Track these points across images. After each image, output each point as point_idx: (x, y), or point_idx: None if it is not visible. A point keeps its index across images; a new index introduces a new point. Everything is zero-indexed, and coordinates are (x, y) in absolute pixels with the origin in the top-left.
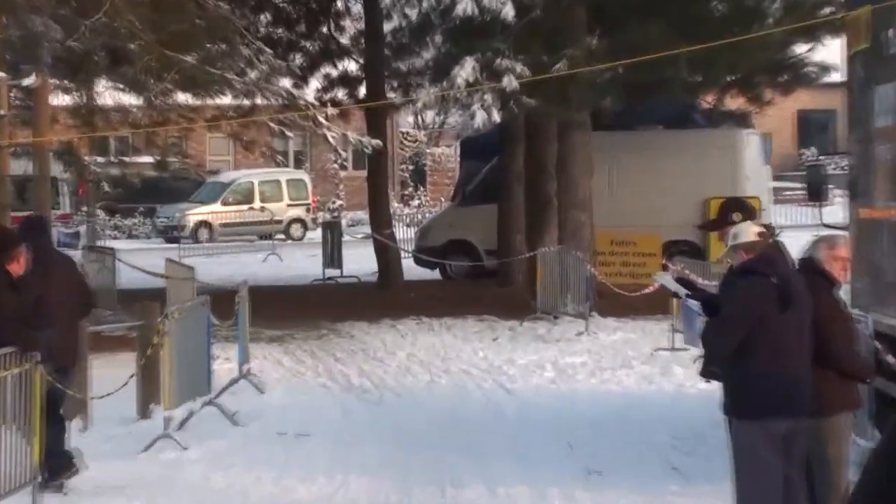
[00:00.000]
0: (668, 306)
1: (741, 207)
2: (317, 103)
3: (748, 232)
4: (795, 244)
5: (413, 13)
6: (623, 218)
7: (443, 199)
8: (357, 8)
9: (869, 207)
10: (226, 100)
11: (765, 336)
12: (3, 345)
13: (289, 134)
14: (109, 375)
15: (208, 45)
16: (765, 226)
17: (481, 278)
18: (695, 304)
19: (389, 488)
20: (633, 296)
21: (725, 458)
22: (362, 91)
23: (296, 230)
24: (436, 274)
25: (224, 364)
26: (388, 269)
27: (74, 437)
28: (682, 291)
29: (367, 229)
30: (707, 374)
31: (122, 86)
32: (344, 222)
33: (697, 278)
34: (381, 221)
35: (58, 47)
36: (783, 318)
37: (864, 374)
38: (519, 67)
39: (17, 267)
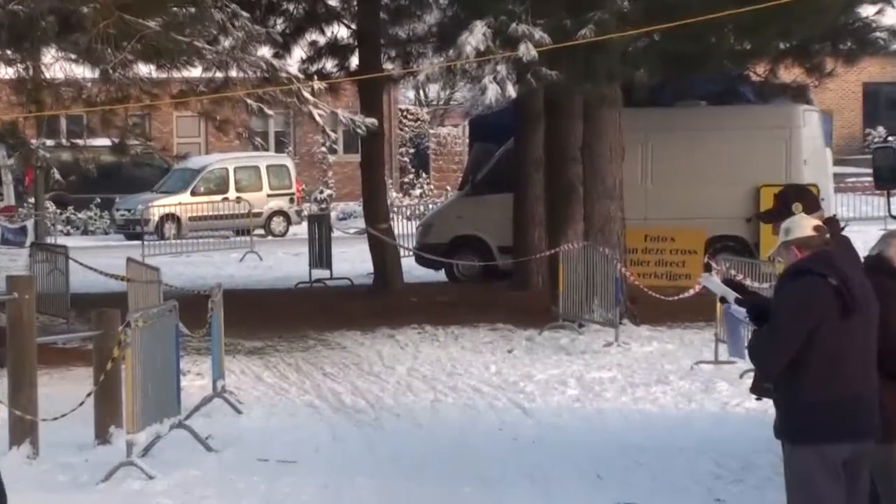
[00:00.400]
0: (712, 312)
1: (802, 197)
2: (302, 76)
3: (802, 226)
4: (860, 239)
5: None
6: (659, 210)
7: (449, 187)
8: None
9: None
10: (195, 72)
11: (822, 347)
12: None
13: (269, 112)
14: (62, 394)
15: (174, 9)
16: (829, 218)
17: (494, 280)
18: (739, 311)
19: None
20: (671, 300)
21: (778, 488)
22: (354, 62)
23: (278, 224)
24: (441, 275)
25: (195, 380)
26: (385, 270)
27: (22, 466)
28: (731, 295)
29: (361, 223)
30: (759, 390)
31: (74, 56)
32: (333, 215)
33: (746, 280)
34: (376, 214)
35: None
36: (844, 326)
37: None
38: (538, 34)
39: None
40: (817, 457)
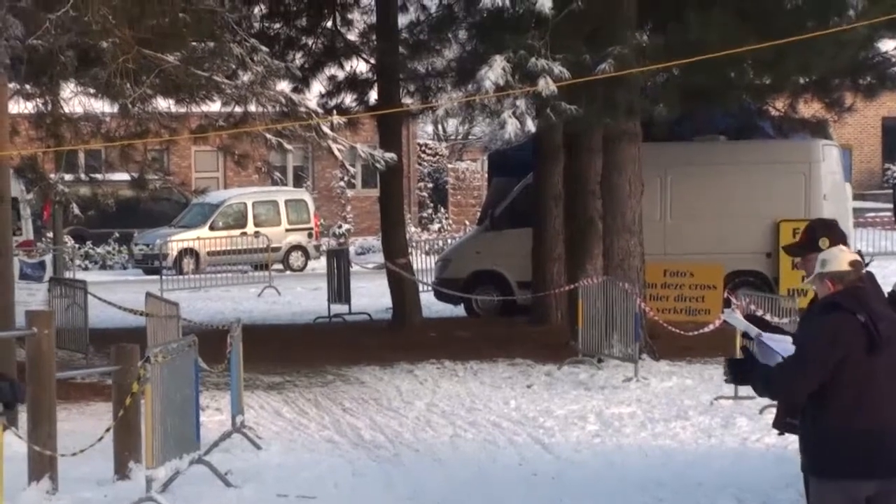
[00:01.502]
0: (732, 348)
1: (829, 231)
2: (321, 111)
3: (839, 259)
4: (879, 274)
5: (433, 5)
6: (678, 244)
7: (467, 222)
8: None
9: None
10: (214, 107)
11: (848, 382)
12: None
13: (288, 147)
14: (81, 429)
15: (193, 43)
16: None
17: (513, 315)
18: (773, 339)
19: None
20: (690, 335)
21: None
22: (373, 96)
23: (296, 259)
24: (460, 310)
25: (214, 415)
26: (403, 305)
27: (42, 501)
28: (754, 331)
29: (380, 258)
30: (781, 425)
31: (93, 91)
32: (352, 250)
33: (767, 315)
34: (395, 249)
35: (18, 46)
36: (870, 361)
37: None
38: (557, 68)
39: None
40: (841, 493)
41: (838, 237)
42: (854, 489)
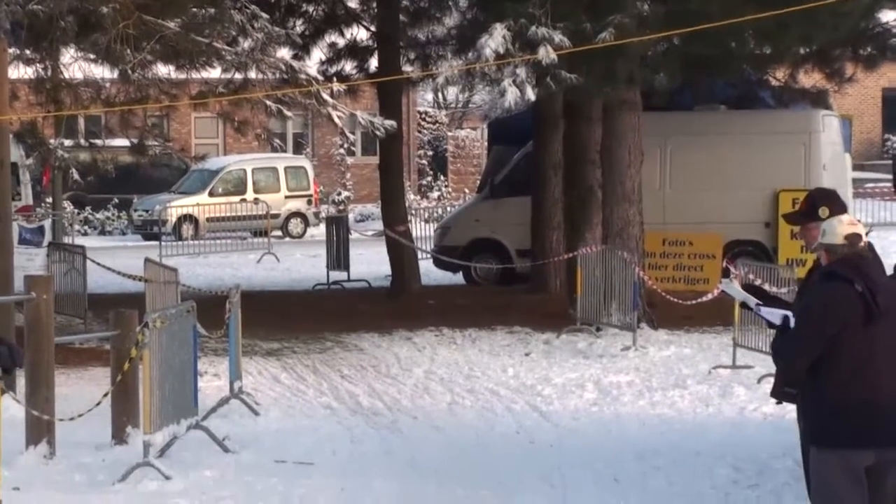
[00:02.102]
0: (730, 317)
1: (829, 200)
2: (321, 78)
3: (835, 232)
4: (878, 245)
5: None
6: (677, 214)
7: (467, 190)
8: None
9: None
10: (214, 73)
11: (846, 352)
12: None
13: (288, 113)
14: (79, 394)
15: (194, 10)
16: None
17: (512, 283)
18: (772, 313)
19: None
20: (689, 304)
21: (795, 493)
22: (374, 64)
23: (295, 226)
24: (459, 278)
25: (213, 381)
26: (402, 273)
27: (39, 465)
28: (752, 301)
29: (379, 225)
30: (779, 394)
31: (93, 56)
32: (351, 217)
33: (765, 284)
34: (394, 216)
35: (18, 11)
36: (868, 332)
37: None
38: (558, 37)
39: None
40: (839, 462)
41: (838, 206)
42: (853, 458)
